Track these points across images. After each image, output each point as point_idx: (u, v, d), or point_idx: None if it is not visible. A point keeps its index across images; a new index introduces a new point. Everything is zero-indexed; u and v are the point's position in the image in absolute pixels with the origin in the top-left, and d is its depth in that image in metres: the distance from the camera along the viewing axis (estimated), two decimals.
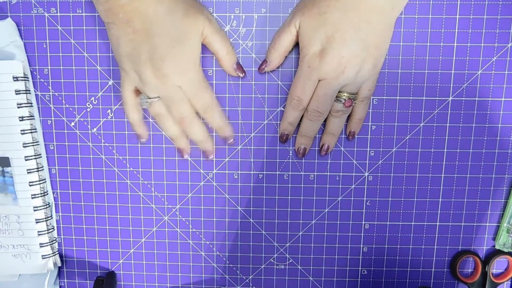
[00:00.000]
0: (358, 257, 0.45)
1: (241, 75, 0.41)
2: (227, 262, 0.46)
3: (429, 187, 0.44)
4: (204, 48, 0.40)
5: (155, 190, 0.45)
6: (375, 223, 0.45)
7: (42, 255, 0.45)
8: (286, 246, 0.45)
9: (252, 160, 0.44)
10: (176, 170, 0.44)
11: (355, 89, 0.38)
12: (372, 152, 0.43)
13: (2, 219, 0.44)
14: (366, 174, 0.44)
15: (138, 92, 0.41)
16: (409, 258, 0.45)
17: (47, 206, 0.45)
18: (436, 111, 0.42)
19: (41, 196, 0.44)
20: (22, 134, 0.43)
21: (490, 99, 0.42)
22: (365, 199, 0.44)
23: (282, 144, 0.43)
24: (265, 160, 0.44)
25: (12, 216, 0.44)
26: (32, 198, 0.44)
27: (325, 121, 0.41)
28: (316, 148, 0.43)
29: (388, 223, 0.44)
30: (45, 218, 0.45)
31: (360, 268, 0.46)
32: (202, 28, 0.38)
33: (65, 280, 0.47)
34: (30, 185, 0.43)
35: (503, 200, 0.44)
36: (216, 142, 0.44)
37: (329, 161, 0.44)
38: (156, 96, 0.39)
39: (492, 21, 0.40)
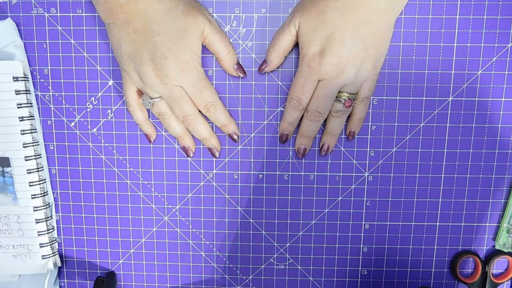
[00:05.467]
0: (358, 257, 0.45)
1: (241, 75, 0.41)
2: (227, 262, 0.46)
3: (429, 187, 0.44)
4: (204, 48, 0.40)
5: (155, 190, 0.45)
6: (375, 223, 0.45)
7: (42, 255, 0.45)
8: (286, 246, 0.45)
9: (252, 160, 0.44)
10: (176, 170, 0.44)
11: (355, 89, 0.38)
12: (372, 152, 0.43)
13: (2, 219, 0.44)
14: (366, 174, 0.44)
15: (140, 92, 0.41)
16: (409, 258, 0.45)
17: (47, 206, 0.45)
18: (436, 111, 0.42)
19: (41, 196, 0.44)
20: (22, 134, 0.43)
21: (490, 99, 0.42)
22: (365, 199, 0.44)
23: (282, 144, 0.43)
24: (265, 160, 0.44)
25: (12, 216, 0.44)
26: (32, 198, 0.44)
27: (325, 121, 0.41)
28: (316, 148, 0.43)
29: (388, 223, 0.44)
30: (45, 218, 0.45)
31: (360, 268, 0.46)
32: (202, 27, 0.38)
33: (65, 280, 0.47)
34: (30, 185, 0.43)
35: (503, 200, 0.44)
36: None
37: (329, 161, 0.44)
38: (158, 96, 0.39)
39: (492, 21, 0.40)
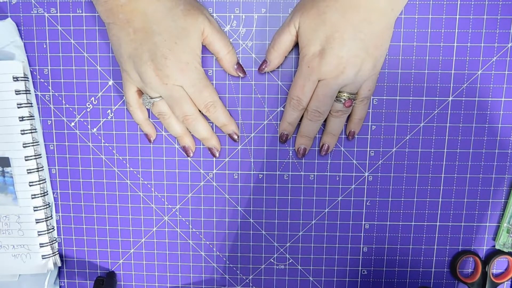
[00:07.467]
0: (358, 257, 0.45)
1: (241, 75, 0.41)
2: (227, 262, 0.46)
3: (429, 187, 0.44)
4: (204, 48, 0.40)
5: (155, 190, 0.45)
6: (375, 223, 0.45)
7: (42, 255, 0.45)
8: (286, 246, 0.45)
9: (252, 160, 0.44)
10: (176, 170, 0.44)
11: (355, 89, 0.38)
12: (372, 152, 0.43)
13: (2, 219, 0.44)
14: (366, 174, 0.44)
15: (140, 92, 0.41)
16: (409, 258, 0.45)
17: (47, 206, 0.45)
18: (436, 111, 0.42)
19: (41, 196, 0.44)
20: (22, 134, 0.43)
21: (490, 99, 0.42)
22: (365, 199, 0.44)
23: (282, 144, 0.43)
24: (265, 160, 0.44)
25: (12, 216, 0.44)
26: (32, 198, 0.44)
27: (325, 121, 0.41)
28: (316, 148, 0.43)
29: (388, 223, 0.44)
30: (45, 218, 0.45)
31: (360, 268, 0.46)
32: (202, 27, 0.38)
33: (65, 280, 0.47)
34: (30, 185, 0.43)
35: (503, 200, 0.44)
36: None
37: (329, 161, 0.44)
38: (158, 96, 0.39)
39: (492, 21, 0.40)
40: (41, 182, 0.44)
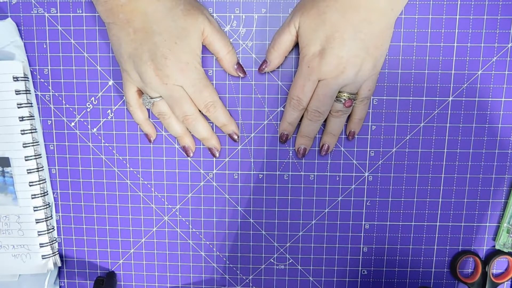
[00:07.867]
0: (358, 257, 0.45)
1: (241, 75, 0.41)
2: (227, 262, 0.46)
3: (429, 187, 0.44)
4: (204, 48, 0.40)
5: (155, 190, 0.45)
6: (375, 223, 0.45)
7: (42, 255, 0.45)
8: (286, 246, 0.45)
9: (252, 160, 0.44)
10: (176, 170, 0.44)
11: (355, 89, 0.38)
12: (372, 152, 0.43)
13: (2, 219, 0.44)
14: (366, 174, 0.44)
15: (140, 92, 0.41)
16: (409, 258, 0.45)
17: (47, 206, 0.45)
18: (436, 111, 0.42)
19: (41, 196, 0.44)
20: (22, 134, 0.43)
21: (490, 99, 0.42)
22: (365, 199, 0.44)
23: (282, 144, 0.43)
24: (265, 160, 0.44)
25: (12, 216, 0.44)
26: (32, 198, 0.44)
27: (325, 121, 0.41)
28: (316, 148, 0.43)
29: (388, 223, 0.44)
30: (45, 218, 0.45)
31: (360, 268, 0.46)
32: (202, 27, 0.38)
33: (65, 280, 0.47)
34: (30, 185, 0.43)
35: (503, 200, 0.44)
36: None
37: (329, 161, 0.44)
38: (158, 96, 0.39)
39: (492, 21, 0.40)
40: (41, 182, 0.44)
